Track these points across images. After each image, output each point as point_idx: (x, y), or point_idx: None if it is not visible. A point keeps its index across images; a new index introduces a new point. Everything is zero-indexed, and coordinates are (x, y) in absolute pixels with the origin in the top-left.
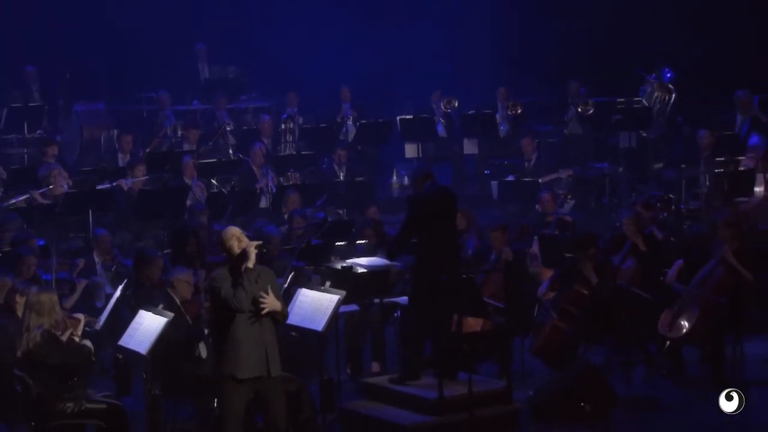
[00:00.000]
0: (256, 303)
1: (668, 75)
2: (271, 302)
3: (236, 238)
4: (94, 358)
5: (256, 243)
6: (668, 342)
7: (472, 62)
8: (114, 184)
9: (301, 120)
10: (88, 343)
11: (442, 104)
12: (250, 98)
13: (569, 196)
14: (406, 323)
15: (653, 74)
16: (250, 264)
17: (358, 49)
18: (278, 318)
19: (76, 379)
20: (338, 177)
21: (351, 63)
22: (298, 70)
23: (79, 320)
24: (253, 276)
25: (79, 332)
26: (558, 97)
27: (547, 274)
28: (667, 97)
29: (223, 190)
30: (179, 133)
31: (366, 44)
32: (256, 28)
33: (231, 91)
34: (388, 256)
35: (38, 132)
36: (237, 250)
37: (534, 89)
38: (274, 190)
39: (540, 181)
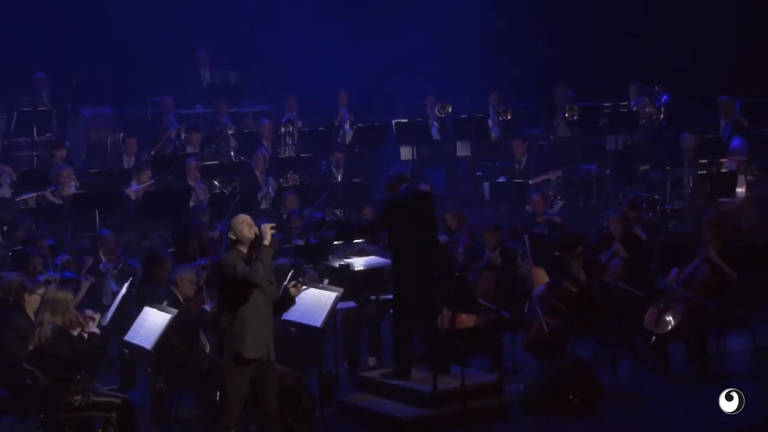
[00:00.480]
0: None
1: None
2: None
3: (247, 223)
4: (105, 343)
5: (271, 225)
6: (654, 337)
7: (465, 69)
8: (124, 192)
9: (300, 123)
10: (96, 329)
11: (436, 109)
12: (251, 102)
13: (558, 197)
14: (394, 323)
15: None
16: (266, 242)
17: (355, 56)
18: (289, 303)
19: (83, 373)
20: (336, 178)
21: (348, 69)
22: (297, 76)
23: (93, 318)
24: (269, 253)
25: (90, 329)
26: (547, 101)
27: (538, 272)
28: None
29: (225, 191)
30: (182, 136)
31: (362, 51)
32: (256, 35)
33: (232, 95)
34: (338, 237)
35: (47, 135)
36: (248, 234)
37: (524, 94)
38: (274, 195)
39: (530, 182)
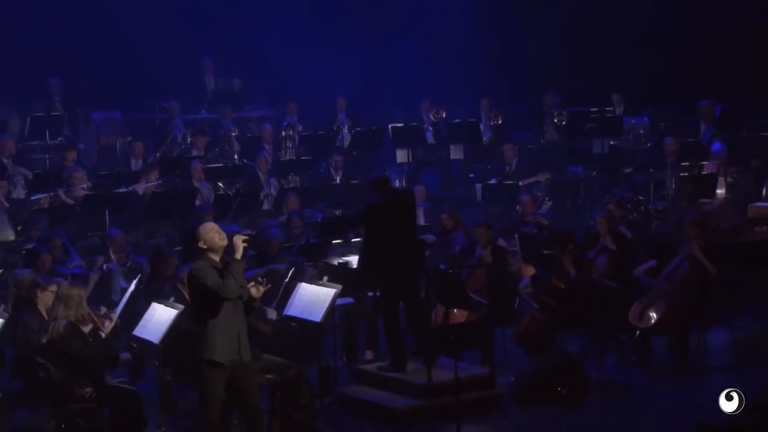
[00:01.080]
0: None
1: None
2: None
3: (216, 231)
4: (113, 354)
5: (243, 237)
6: (638, 332)
7: (458, 75)
8: (130, 188)
9: (300, 128)
10: (123, 356)
11: (431, 114)
12: (253, 108)
13: (547, 198)
14: (386, 320)
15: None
16: (238, 256)
17: (353, 63)
18: (254, 304)
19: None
20: (335, 180)
21: (346, 75)
22: (297, 82)
23: (110, 319)
24: (241, 267)
25: (107, 330)
26: (536, 107)
27: (527, 269)
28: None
29: (229, 192)
30: (188, 139)
31: (360, 58)
32: (258, 43)
33: (235, 101)
34: (322, 226)
35: (59, 139)
36: (219, 242)
37: (514, 100)
38: (276, 196)
39: (520, 184)
